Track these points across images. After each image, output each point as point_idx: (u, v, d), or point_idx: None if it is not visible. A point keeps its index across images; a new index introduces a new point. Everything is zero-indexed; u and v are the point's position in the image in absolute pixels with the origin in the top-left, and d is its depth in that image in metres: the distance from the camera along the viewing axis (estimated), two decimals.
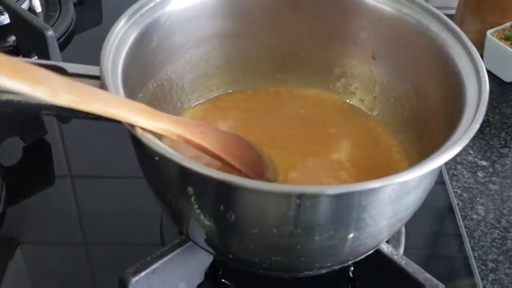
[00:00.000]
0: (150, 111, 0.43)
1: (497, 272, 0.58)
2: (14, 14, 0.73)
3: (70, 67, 0.45)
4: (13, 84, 0.34)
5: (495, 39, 0.78)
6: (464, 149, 0.54)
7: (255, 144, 0.53)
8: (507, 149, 0.71)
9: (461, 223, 0.62)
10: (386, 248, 0.49)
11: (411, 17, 0.52)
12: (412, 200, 0.44)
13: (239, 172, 0.48)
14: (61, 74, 0.38)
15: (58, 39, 0.77)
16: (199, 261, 0.52)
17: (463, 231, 0.61)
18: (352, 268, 0.53)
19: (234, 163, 0.47)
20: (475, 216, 0.63)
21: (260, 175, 0.50)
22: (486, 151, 0.70)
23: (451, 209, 0.64)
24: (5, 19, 0.78)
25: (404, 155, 0.55)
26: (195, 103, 0.59)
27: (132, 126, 0.41)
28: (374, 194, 0.40)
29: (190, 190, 0.41)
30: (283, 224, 0.40)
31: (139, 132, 0.41)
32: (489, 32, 0.78)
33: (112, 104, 0.41)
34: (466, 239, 0.61)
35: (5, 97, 0.43)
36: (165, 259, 0.48)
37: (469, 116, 0.43)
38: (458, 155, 0.46)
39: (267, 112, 0.59)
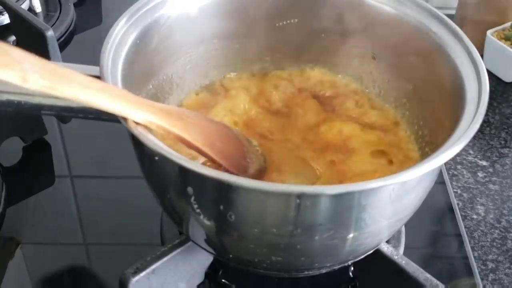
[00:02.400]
0: (131, 98, 0.41)
1: (497, 272, 0.58)
2: (14, 14, 0.73)
3: (70, 67, 0.45)
4: None
5: (495, 39, 0.78)
6: (464, 149, 0.54)
7: (243, 137, 0.52)
8: (507, 149, 0.71)
9: (461, 223, 0.62)
10: (386, 248, 0.49)
11: (411, 17, 0.52)
12: (412, 200, 0.44)
13: (219, 167, 0.46)
14: None
15: (58, 39, 0.77)
16: (199, 261, 0.52)
17: (463, 231, 0.61)
18: (352, 268, 0.53)
19: (215, 157, 0.46)
20: (475, 216, 0.63)
21: (242, 171, 0.48)
22: (486, 151, 0.70)
23: (451, 209, 0.64)
24: (5, 19, 0.79)
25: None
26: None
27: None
28: (374, 194, 0.40)
29: (190, 190, 0.41)
30: (283, 224, 0.41)
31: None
32: (489, 32, 0.78)
33: (87, 91, 0.38)
34: (466, 239, 0.61)
35: (5, 97, 0.43)
36: (165, 259, 0.48)
37: (469, 116, 0.43)
38: (458, 155, 0.46)
39: (265, 106, 0.59)
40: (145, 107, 0.42)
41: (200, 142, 0.45)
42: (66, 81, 0.37)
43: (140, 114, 0.40)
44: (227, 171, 0.46)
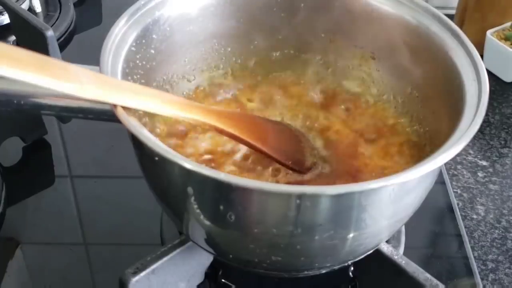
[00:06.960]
0: (181, 102, 0.44)
1: (497, 272, 0.58)
2: (14, 14, 0.73)
3: None
4: (39, 81, 0.36)
5: (495, 39, 0.78)
6: (464, 149, 0.54)
7: (300, 132, 0.53)
8: (507, 149, 0.71)
9: (461, 223, 0.62)
10: (386, 248, 0.49)
11: (411, 17, 0.52)
12: (412, 200, 0.44)
13: (277, 162, 0.48)
14: None
15: (58, 39, 0.77)
16: (199, 261, 0.52)
17: (463, 231, 0.61)
18: (352, 268, 0.53)
19: (270, 152, 0.47)
20: (475, 216, 0.63)
21: (299, 165, 0.50)
22: (486, 151, 0.70)
23: (451, 209, 0.64)
24: (5, 19, 0.79)
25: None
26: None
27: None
28: (374, 194, 0.40)
29: (190, 190, 0.41)
30: (283, 224, 0.41)
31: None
32: (489, 32, 0.78)
33: (139, 97, 0.42)
34: (466, 239, 0.61)
35: (5, 97, 0.43)
36: (165, 259, 0.48)
37: (469, 116, 0.43)
38: (458, 155, 0.46)
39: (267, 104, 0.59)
40: (196, 109, 0.45)
41: (252, 138, 0.47)
42: (118, 89, 0.41)
43: (195, 117, 0.44)
44: (283, 165, 0.48)
